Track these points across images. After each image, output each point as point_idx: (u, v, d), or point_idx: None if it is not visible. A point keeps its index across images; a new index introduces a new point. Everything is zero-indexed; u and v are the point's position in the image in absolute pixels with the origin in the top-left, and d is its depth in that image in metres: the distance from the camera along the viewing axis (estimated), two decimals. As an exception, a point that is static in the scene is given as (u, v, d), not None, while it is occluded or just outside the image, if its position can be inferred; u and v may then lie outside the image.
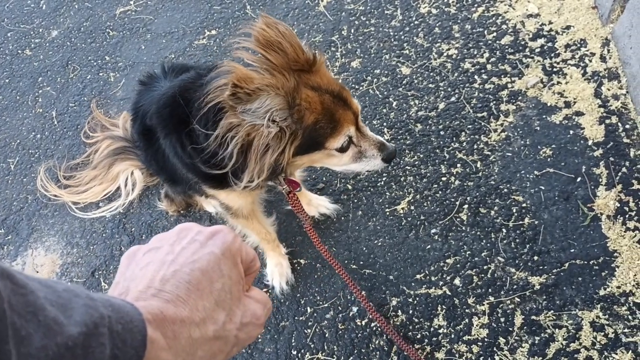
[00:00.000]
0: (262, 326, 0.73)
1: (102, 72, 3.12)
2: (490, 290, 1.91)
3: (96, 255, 2.40)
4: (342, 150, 1.48)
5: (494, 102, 2.34)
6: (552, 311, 1.82)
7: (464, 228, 2.06)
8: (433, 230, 2.08)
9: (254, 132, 1.29)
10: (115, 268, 2.33)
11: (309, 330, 1.99)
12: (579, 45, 2.40)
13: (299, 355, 1.95)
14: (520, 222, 2.02)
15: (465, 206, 2.11)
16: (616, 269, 1.85)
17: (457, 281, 1.96)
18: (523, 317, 1.84)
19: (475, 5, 2.70)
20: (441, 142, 2.29)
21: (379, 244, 2.10)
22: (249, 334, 0.70)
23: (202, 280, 0.63)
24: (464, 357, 1.81)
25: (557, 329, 1.79)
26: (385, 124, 2.40)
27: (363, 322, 1.95)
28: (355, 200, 2.23)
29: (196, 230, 0.71)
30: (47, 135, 2.91)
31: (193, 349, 0.60)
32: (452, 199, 2.13)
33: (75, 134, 2.85)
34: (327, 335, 1.96)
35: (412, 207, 2.16)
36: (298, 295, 2.07)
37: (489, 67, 2.45)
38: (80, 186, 2.55)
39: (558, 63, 2.37)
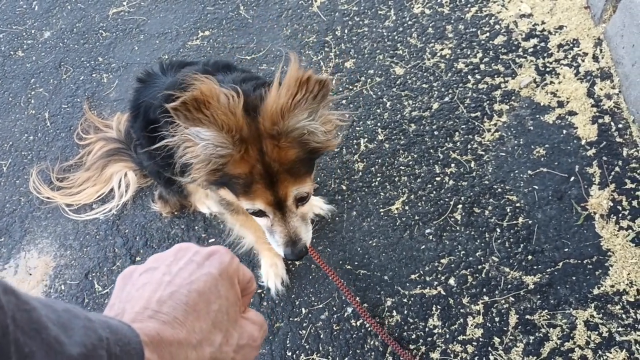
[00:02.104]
0: (258, 348, 0.73)
1: (95, 73, 3.11)
2: (484, 290, 1.91)
3: (90, 257, 2.38)
4: (252, 214, 1.47)
5: (488, 102, 2.34)
6: (546, 310, 1.83)
7: (458, 228, 2.06)
8: (427, 231, 2.08)
9: (188, 143, 1.29)
10: (109, 270, 2.32)
11: (304, 331, 1.98)
12: (571, 45, 2.41)
13: (294, 356, 1.94)
14: (514, 222, 2.02)
15: (460, 206, 2.11)
16: (610, 268, 1.85)
17: (451, 281, 1.96)
18: (517, 316, 1.84)
19: (469, 5, 2.71)
20: (435, 142, 2.29)
21: (374, 244, 2.10)
22: (245, 356, 0.69)
23: (199, 301, 0.63)
24: (459, 357, 1.81)
25: (551, 328, 1.79)
26: (379, 124, 2.40)
27: (358, 323, 1.95)
28: (350, 201, 2.23)
29: (193, 251, 0.70)
30: (40, 137, 2.90)
31: None
32: (447, 199, 2.14)
33: (68, 136, 2.84)
34: (322, 336, 1.96)
35: (407, 207, 2.16)
36: (293, 296, 2.07)
37: (482, 67, 2.46)
38: (74, 188, 2.54)
39: (551, 63, 2.38)
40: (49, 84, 3.15)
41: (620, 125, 2.13)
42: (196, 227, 2.33)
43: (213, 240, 2.27)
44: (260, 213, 1.46)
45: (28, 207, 2.63)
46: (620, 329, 1.74)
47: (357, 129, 2.42)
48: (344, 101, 2.53)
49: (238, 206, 1.84)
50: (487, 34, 2.57)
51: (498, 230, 2.02)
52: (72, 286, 2.32)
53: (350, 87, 2.57)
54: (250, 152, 1.29)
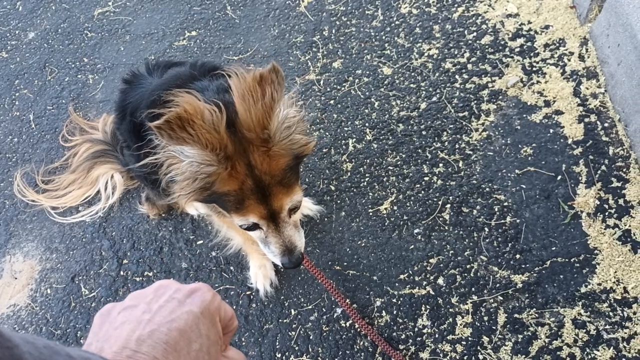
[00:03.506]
0: None
1: (81, 74, 3.08)
2: (473, 289, 1.92)
3: (76, 261, 2.36)
4: (246, 228, 1.46)
5: (475, 101, 2.35)
6: (534, 309, 1.83)
7: (446, 228, 2.07)
8: (416, 230, 2.08)
9: (173, 160, 1.27)
10: (96, 273, 2.29)
11: (293, 333, 1.98)
12: (557, 44, 2.42)
13: (284, 358, 1.93)
14: (502, 221, 2.03)
15: (448, 206, 2.11)
16: (597, 266, 1.86)
17: (440, 281, 1.96)
18: (506, 315, 1.84)
19: (456, 5, 2.71)
20: (423, 142, 2.29)
21: (363, 244, 2.10)
22: None
23: (180, 340, 0.62)
24: (448, 357, 1.82)
25: (539, 327, 1.80)
26: (367, 124, 2.40)
27: (347, 324, 1.95)
28: (339, 201, 2.22)
29: (174, 288, 0.69)
30: (25, 139, 2.86)
31: None
32: (435, 199, 2.14)
33: (54, 138, 2.80)
34: (311, 337, 1.95)
35: (395, 208, 2.16)
36: (282, 297, 2.06)
37: (469, 66, 2.46)
38: (59, 190, 2.51)
39: (537, 62, 2.39)
40: (33, 85, 3.11)
41: (606, 124, 2.15)
42: (184, 229, 2.32)
43: (201, 241, 2.26)
44: (253, 227, 1.45)
45: (13, 210, 2.59)
46: (607, 326, 1.76)
47: (345, 129, 2.41)
48: (331, 101, 2.52)
49: None
50: (474, 33, 2.57)
51: (486, 229, 2.03)
52: (58, 290, 2.30)
53: (338, 87, 2.57)
54: (238, 168, 1.27)
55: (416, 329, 1.89)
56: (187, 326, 0.63)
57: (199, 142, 1.16)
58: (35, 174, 2.61)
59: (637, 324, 1.74)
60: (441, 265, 1.99)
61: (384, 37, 2.70)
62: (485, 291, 1.90)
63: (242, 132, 1.24)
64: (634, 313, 1.76)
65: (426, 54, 2.57)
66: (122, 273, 2.27)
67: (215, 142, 1.19)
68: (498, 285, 1.91)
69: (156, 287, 0.70)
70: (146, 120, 1.38)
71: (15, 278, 2.39)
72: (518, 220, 2.02)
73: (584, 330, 1.77)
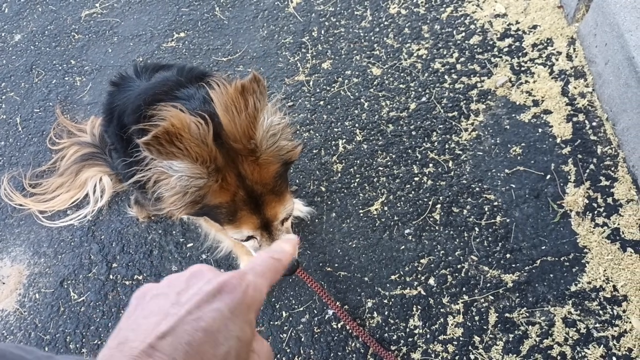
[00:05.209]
0: None
1: (68, 76, 3.05)
2: (464, 289, 1.92)
3: (65, 265, 2.33)
4: (240, 240, 1.46)
5: (464, 101, 2.35)
6: (525, 308, 1.84)
7: (437, 228, 2.07)
8: (407, 231, 2.08)
9: (162, 176, 1.27)
10: (85, 277, 2.27)
11: (285, 335, 1.97)
12: (545, 44, 2.43)
13: (275, 360, 1.93)
14: (492, 221, 2.04)
15: (438, 206, 2.11)
16: (586, 264, 1.87)
17: (431, 281, 1.96)
18: (497, 314, 1.85)
19: (444, 5, 2.72)
20: (413, 143, 2.29)
21: (354, 245, 2.10)
22: None
23: (205, 342, 0.56)
24: (439, 357, 1.82)
25: (530, 326, 1.80)
26: (357, 125, 2.39)
27: (339, 325, 1.94)
28: (329, 202, 2.22)
29: (206, 279, 0.63)
30: (11, 142, 2.83)
31: None
32: (425, 199, 2.14)
33: (41, 141, 2.78)
34: (302, 339, 1.95)
35: (386, 208, 2.16)
36: (273, 299, 2.05)
37: (458, 67, 2.47)
38: (47, 194, 2.48)
39: (526, 62, 2.40)
40: (20, 88, 3.08)
41: (594, 123, 2.16)
42: (174, 232, 2.30)
43: (191, 244, 2.25)
44: (247, 238, 1.44)
45: (0, 215, 2.56)
46: (597, 325, 1.77)
47: (335, 130, 2.41)
48: (321, 102, 2.52)
49: None
50: (463, 33, 2.58)
51: (476, 229, 2.03)
52: (47, 294, 2.27)
53: (328, 88, 2.57)
54: (228, 180, 1.27)
55: (407, 330, 1.89)
56: (214, 326, 0.57)
57: (188, 156, 1.15)
58: (22, 177, 2.58)
59: (626, 322, 1.75)
60: (432, 265, 1.99)
61: (373, 38, 2.70)
62: (476, 291, 1.91)
63: (229, 144, 1.24)
64: (624, 311, 1.77)
65: (415, 55, 2.57)
66: (111, 277, 2.25)
67: (205, 154, 1.18)
68: (489, 284, 1.91)
69: (189, 275, 0.64)
70: (134, 136, 1.38)
71: (3, 283, 2.36)
72: (508, 220, 2.02)
73: (575, 329, 1.77)
